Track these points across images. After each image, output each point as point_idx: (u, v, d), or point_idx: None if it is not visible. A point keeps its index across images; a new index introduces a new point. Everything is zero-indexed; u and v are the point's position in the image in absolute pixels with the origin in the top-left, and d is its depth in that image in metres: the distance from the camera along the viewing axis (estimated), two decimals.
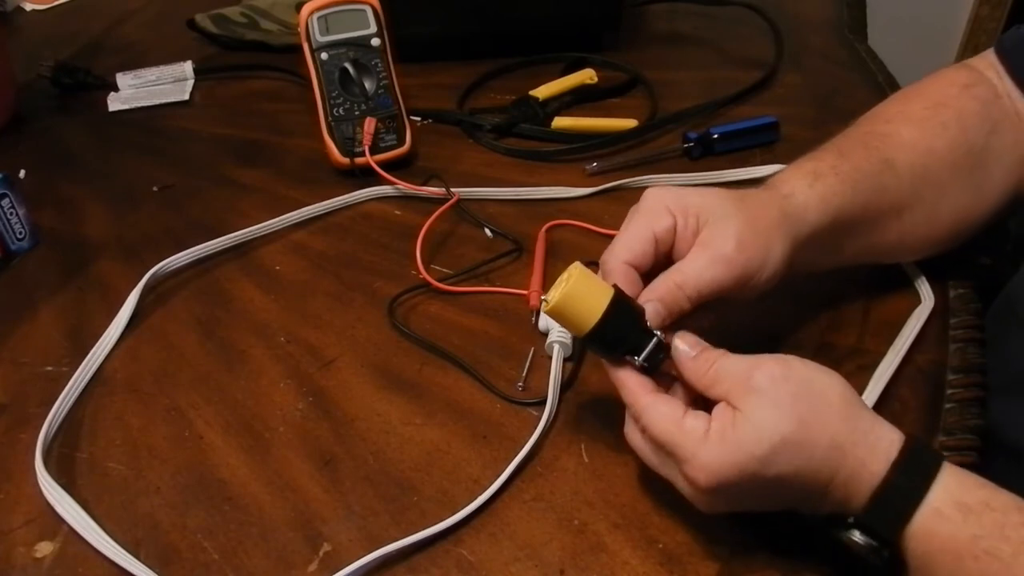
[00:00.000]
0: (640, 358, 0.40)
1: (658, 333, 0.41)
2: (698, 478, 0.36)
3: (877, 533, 0.36)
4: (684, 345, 0.40)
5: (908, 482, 0.36)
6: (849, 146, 0.50)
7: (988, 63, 0.54)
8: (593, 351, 0.42)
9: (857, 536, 0.37)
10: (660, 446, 0.39)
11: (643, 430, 0.40)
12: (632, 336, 0.41)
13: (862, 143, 0.51)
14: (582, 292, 0.40)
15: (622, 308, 0.40)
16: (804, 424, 0.36)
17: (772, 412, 0.36)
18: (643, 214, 0.44)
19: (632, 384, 0.40)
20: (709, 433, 0.37)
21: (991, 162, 0.51)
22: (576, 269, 0.40)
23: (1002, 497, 0.35)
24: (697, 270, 0.42)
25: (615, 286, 0.41)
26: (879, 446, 0.36)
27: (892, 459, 0.36)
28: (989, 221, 0.53)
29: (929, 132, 0.51)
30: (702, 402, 0.40)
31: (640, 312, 0.41)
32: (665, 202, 0.44)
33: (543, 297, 0.41)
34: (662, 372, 0.41)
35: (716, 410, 0.38)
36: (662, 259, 0.44)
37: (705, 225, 0.43)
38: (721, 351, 0.40)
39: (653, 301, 0.42)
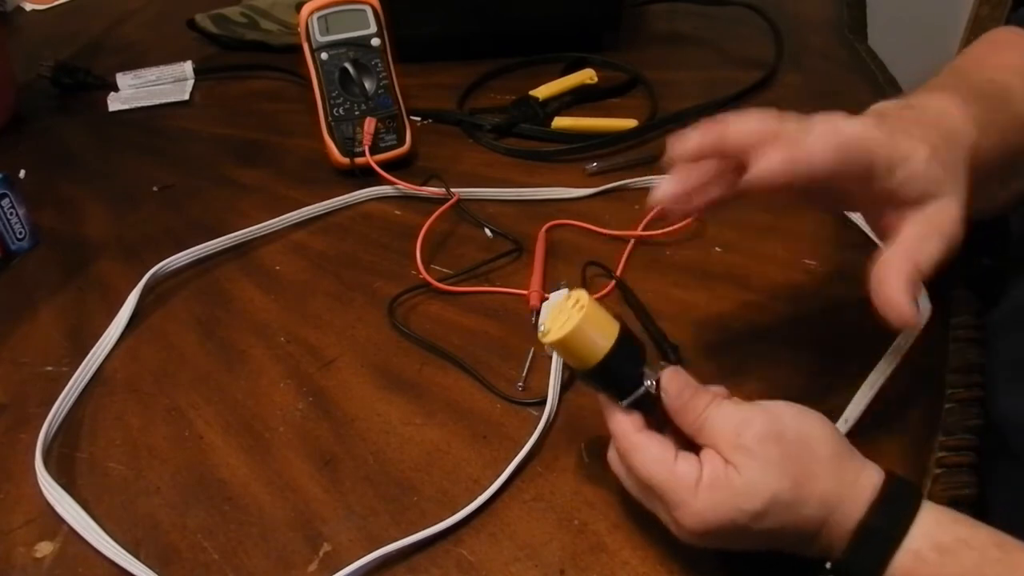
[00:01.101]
0: (625, 402, 0.39)
1: (647, 382, 0.39)
2: (688, 524, 0.36)
3: None
4: (673, 389, 0.39)
5: (886, 524, 0.35)
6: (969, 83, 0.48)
7: None
8: (585, 385, 0.41)
9: None
10: (648, 488, 0.38)
11: (629, 468, 0.39)
12: (626, 377, 0.39)
13: (982, 82, 0.48)
14: (590, 327, 0.38)
15: (625, 347, 0.39)
16: (796, 484, 0.36)
17: (763, 471, 0.36)
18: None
19: (620, 419, 0.39)
20: (701, 482, 0.36)
21: None
22: (584, 299, 0.38)
23: (980, 533, 0.35)
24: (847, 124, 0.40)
25: (621, 322, 0.39)
26: (863, 495, 0.36)
27: (871, 502, 0.36)
28: None
29: None
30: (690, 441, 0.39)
31: (640, 351, 0.40)
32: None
33: (541, 328, 0.39)
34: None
35: (705, 456, 0.37)
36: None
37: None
38: (710, 395, 0.39)
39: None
